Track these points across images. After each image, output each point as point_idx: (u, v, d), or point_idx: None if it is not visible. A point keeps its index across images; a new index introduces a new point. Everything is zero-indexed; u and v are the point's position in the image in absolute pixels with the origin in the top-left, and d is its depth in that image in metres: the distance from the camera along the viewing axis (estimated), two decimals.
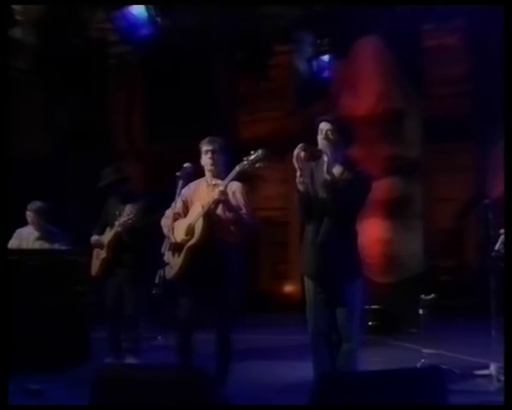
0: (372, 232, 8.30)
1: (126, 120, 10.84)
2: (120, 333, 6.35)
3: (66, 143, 10.04)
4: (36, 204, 7.09)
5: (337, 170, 4.36)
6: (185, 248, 5.00)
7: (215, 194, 4.87)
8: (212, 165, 5.06)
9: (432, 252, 9.40)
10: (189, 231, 5.00)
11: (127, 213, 6.15)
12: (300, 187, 4.32)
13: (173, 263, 5.05)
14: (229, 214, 4.92)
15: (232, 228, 4.94)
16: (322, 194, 4.32)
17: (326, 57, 9.23)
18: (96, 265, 6.38)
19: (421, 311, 6.02)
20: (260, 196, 10.23)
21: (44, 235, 7.07)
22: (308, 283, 4.52)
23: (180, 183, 5.11)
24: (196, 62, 10.14)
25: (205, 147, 5.07)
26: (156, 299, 4.82)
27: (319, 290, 4.45)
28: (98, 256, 6.37)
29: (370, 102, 8.85)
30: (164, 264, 4.97)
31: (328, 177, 4.25)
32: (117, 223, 6.17)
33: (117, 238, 6.23)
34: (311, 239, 4.41)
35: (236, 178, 4.97)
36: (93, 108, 10.21)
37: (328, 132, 4.35)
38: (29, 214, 7.08)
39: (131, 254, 6.20)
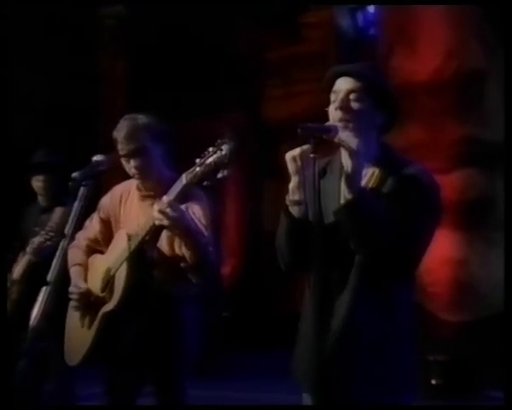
0: (438, 249, 6.11)
1: (122, 96, 9.10)
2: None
3: (45, 125, 8.30)
4: None
5: (370, 176, 2.36)
6: (99, 315, 2.98)
7: (152, 217, 2.82)
8: (140, 169, 3.07)
9: None
10: (107, 283, 3.00)
11: (48, 227, 3.98)
12: (294, 210, 2.33)
13: (80, 341, 3.06)
14: (178, 248, 2.91)
15: (184, 268, 2.91)
16: (339, 223, 2.28)
17: (373, 8, 7.36)
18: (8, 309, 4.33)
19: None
20: None
21: None
22: (306, 398, 2.39)
23: (82, 191, 2.89)
24: (213, 21, 8.51)
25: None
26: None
27: None
28: (10, 296, 4.35)
29: (436, 61, 6.59)
30: (28, 348, 2.84)
31: (349, 191, 2.23)
32: (29, 246, 4.07)
33: (29, 270, 4.18)
34: (315, 317, 2.23)
35: (183, 195, 2.84)
36: (80, 82, 8.39)
37: (352, 97, 2.33)
38: None
39: None
